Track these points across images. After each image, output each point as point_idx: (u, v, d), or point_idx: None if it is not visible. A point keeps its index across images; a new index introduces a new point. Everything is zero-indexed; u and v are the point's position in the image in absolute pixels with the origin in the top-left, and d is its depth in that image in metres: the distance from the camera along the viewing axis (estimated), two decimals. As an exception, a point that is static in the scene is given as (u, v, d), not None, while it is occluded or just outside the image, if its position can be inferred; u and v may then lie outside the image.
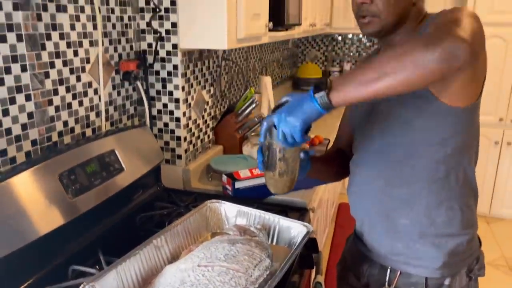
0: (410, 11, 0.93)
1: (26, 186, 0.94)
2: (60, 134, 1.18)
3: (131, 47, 1.45)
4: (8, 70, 1.00)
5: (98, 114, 1.33)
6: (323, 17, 3.05)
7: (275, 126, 0.83)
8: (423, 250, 0.98)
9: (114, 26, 1.35)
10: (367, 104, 1.01)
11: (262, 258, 0.95)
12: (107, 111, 1.36)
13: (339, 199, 3.39)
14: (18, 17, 1.01)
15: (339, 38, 3.90)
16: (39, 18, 1.06)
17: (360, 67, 0.75)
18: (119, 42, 1.39)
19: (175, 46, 1.47)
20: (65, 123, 1.20)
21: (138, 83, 1.46)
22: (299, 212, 1.36)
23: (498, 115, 3.12)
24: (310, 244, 1.22)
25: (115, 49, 1.38)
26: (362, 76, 0.73)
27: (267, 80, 2.54)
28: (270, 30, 1.72)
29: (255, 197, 1.43)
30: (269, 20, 1.70)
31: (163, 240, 0.99)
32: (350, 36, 3.86)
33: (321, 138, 2.17)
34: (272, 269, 0.95)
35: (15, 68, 1.01)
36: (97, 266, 0.99)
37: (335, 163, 1.18)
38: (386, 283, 1.03)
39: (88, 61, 1.25)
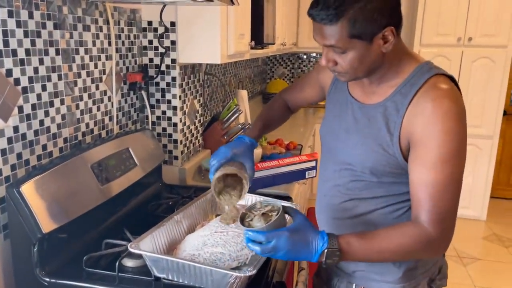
0: (382, 59, 0.94)
1: (69, 172, 1.13)
2: (83, 134, 1.38)
3: (136, 61, 1.68)
4: (49, 79, 1.20)
5: (111, 119, 1.53)
6: (291, 37, 3.38)
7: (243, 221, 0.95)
8: (383, 266, 1.05)
9: (123, 43, 1.58)
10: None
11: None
12: (117, 116, 1.57)
13: (308, 203, 3.67)
14: (57, 34, 1.22)
15: (304, 56, 4.26)
16: (71, 36, 1.28)
17: (372, 251, 0.90)
18: (127, 57, 1.61)
19: (173, 61, 1.71)
20: (87, 125, 1.40)
21: (143, 93, 1.68)
22: (284, 200, 1.61)
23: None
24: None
25: (124, 63, 1.59)
26: (375, 258, 0.95)
27: (243, 94, 2.81)
28: (251, 48, 2.00)
29: (245, 189, 1.67)
30: (251, 40, 1.98)
31: (181, 217, 1.21)
32: (314, 54, 4.22)
33: (295, 144, 2.45)
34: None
35: (54, 77, 1.22)
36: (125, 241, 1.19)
37: (277, 121, 1.36)
38: None
39: (104, 72, 1.47)
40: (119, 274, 1.05)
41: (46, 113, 1.20)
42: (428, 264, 1.08)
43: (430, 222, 0.89)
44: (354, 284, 1.12)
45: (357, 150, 1.02)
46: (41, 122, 1.18)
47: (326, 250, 0.87)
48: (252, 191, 1.65)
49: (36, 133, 1.17)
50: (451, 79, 0.97)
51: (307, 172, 1.87)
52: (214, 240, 1.09)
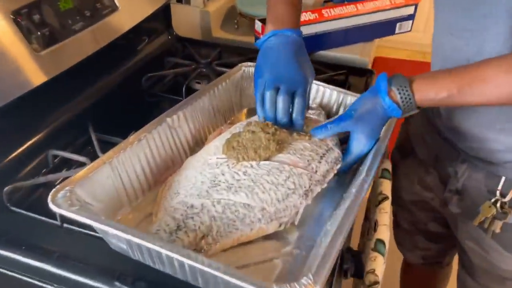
0: None
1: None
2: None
3: None
4: None
5: None
6: None
7: None
8: None
9: None
10: None
11: (329, 147, 0.65)
12: None
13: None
14: None
15: None
16: None
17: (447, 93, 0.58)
18: None
19: None
20: None
21: None
22: (362, 77, 1.00)
23: None
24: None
25: None
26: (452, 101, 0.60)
27: None
28: None
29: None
30: None
31: (182, 118, 0.67)
32: None
33: None
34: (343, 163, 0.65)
35: None
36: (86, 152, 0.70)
37: None
38: (498, 193, 0.70)
39: None
40: (64, 225, 0.59)
41: None
42: None
43: None
44: (503, 178, 0.71)
45: None
46: None
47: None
48: (311, 53, 1.08)
49: None
50: None
51: (398, 24, 1.20)
52: (232, 177, 0.57)
